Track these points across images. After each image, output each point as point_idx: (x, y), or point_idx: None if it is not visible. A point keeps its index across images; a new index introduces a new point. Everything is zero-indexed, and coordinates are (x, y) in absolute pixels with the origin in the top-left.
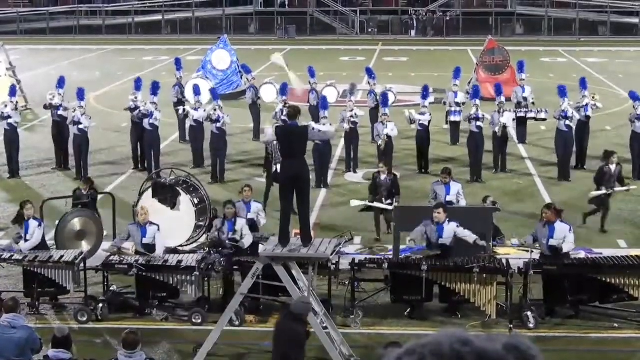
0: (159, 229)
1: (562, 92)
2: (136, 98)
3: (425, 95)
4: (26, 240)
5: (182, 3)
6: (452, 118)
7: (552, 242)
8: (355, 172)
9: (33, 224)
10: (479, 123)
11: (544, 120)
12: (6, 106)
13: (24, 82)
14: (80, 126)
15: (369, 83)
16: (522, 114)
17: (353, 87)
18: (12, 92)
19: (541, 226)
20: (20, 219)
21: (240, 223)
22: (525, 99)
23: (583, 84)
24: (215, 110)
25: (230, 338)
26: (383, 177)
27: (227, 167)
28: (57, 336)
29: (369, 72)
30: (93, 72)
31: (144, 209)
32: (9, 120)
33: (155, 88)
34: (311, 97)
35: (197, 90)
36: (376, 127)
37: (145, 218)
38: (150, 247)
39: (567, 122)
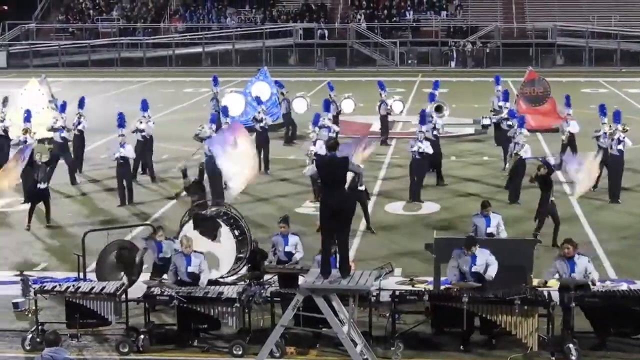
0: (204, 258)
1: (616, 116)
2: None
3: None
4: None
5: (222, 35)
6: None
7: (574, 275)
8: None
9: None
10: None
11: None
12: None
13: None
14: (143, 133)
15: (380, 94)
16: (496, 120)
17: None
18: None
19: (561, 262)
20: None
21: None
22: (500, 107)
23: (602, 110)
24: (259, 112)
25: None
26: None
27: None
28: None
29: (381, 85)
30: (133, 104)
31: (188, 240)
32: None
33: (63, 107)
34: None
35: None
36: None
37: (190, 250)
38: (195, 276)
39: (619, 147)
